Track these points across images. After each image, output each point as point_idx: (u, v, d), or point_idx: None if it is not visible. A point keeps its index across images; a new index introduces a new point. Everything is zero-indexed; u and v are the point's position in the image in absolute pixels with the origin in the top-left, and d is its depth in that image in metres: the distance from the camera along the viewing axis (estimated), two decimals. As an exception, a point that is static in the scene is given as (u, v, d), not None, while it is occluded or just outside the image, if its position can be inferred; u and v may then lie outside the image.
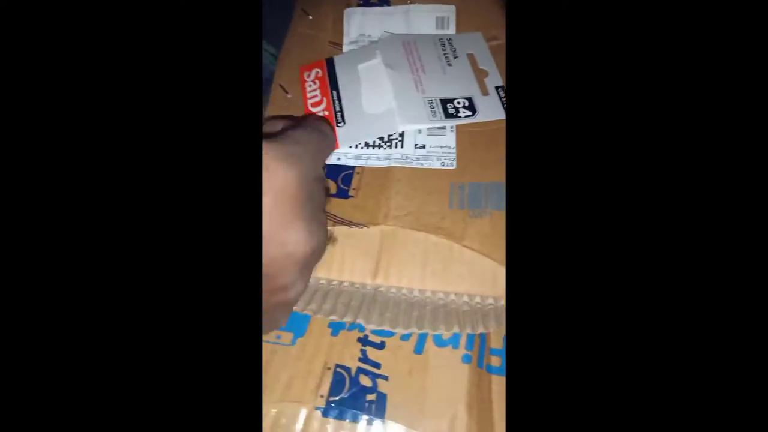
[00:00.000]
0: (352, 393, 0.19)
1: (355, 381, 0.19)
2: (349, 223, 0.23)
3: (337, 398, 0.19)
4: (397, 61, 0.27)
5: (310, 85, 0.27)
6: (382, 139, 0.26)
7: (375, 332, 0.20)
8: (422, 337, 0.20)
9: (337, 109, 0.26)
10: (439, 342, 0.20)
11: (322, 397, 0.19)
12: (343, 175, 0.25)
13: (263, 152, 0.17)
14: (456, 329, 0.20)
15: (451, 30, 0.29)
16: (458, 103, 0.26)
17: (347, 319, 0.20)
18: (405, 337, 0.20)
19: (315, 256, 0.19)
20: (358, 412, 0.19)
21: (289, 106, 0.27)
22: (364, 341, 0.20)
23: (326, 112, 0.26)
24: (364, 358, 0.20)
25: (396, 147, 0.26)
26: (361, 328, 0.20)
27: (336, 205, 0.24)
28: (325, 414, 0.19)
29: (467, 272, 0.22)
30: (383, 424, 0.18)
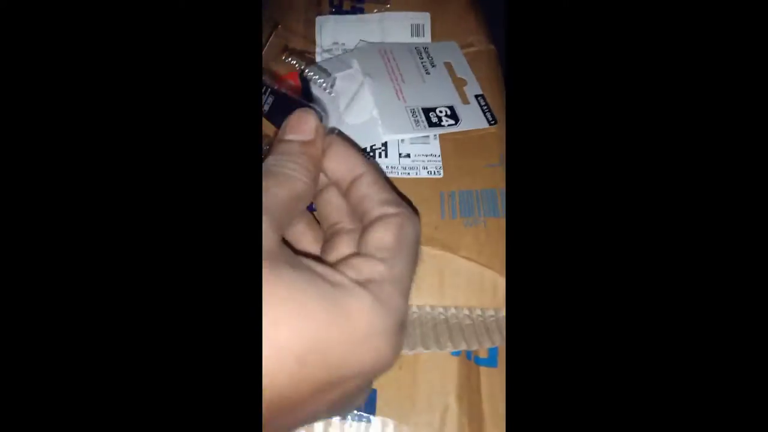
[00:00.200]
0: None
1: None
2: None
3: None
4: (375, 70, 0.27)
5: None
6: (365, 149, 0.25)
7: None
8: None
9: (316, 119, 0.25)
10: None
11: None
12: (327, 189, 0.24)
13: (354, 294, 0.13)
14: (463, 345, 0.19)
15: (427, 37, 0.29)
16: (440, 111, 0.26)
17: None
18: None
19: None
20: (348, 409, 0.18)
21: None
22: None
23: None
24: None
25: (381, 157, 0.25)
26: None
27: (323, 221, 0.22)
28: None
29: (466, 284, 0.21)
30: (374, 420, 0.18)
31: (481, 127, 0.25)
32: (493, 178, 0.24)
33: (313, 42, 0.29)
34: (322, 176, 0.18)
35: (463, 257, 0.21)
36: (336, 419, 0.18)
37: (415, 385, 0.18)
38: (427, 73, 0.27)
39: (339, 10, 0.29)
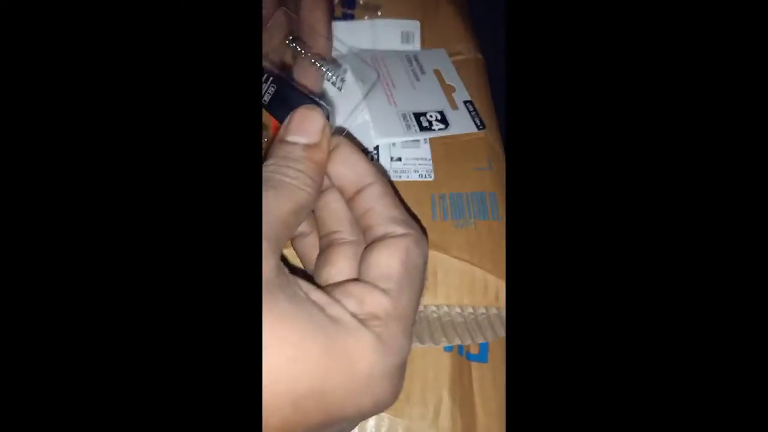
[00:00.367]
0: None
1: None
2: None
3: None
4: (368, 76, 0.27)
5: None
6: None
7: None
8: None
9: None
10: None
11: None
12: (321, 191, 0.24)
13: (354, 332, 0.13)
14: (457, 340, 0.20)
15: (416, 44, 0.30)
16: (431, 116, 0.26)
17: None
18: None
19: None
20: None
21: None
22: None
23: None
24: None
25: (373, 160, 0.25)
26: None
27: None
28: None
29: (458, 282, 0.22)
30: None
31: (470, 132, 0.26)
32: (483, 182, 0.24)
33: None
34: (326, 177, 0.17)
35: (455, 257, 0.22)
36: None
37: (410, 380, 0.19)
38: (417, 80, 0.28)
39: (331, 17, 0.30)
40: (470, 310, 0.21)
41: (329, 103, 0.21)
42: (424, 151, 0.26)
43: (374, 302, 0.14)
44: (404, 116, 0.26)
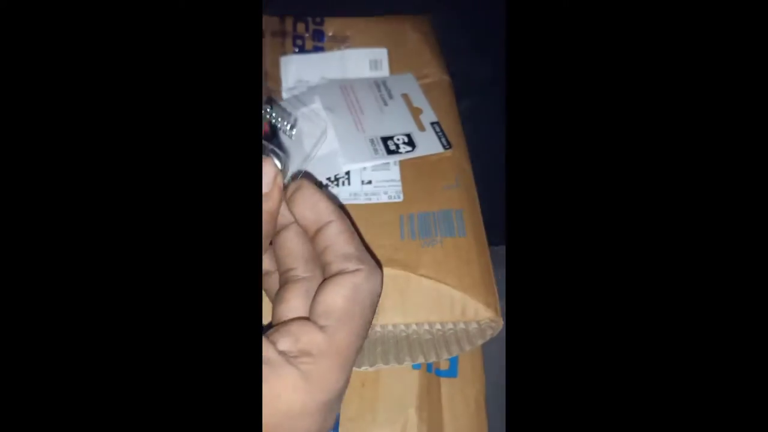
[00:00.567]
0: None
1: None
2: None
3: None
4: (336, 104, 0.29)
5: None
6: (329, 179, 0.26)
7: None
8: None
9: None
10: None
11: None
12: (294, 218, 0.25)
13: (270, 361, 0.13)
14: (421, 359, 0.20)
15: (385, 71, 0.31)
16: (398, 139, 0.27)
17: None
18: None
19: None
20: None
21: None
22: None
23: (271, 158, 0.26)
24: None
25: (344, 185, 0.26)
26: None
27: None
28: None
29: (425, 301, 0.22)
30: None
31: (436, 152, 0.27)
32: (450, 200, 0.25)
33: (279, 81, 0.31)
34: (280, 217, 0.18)
35: (422, 275, 0.22)
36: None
37: (377, 400, 0.19)
38: (386, 104, 0.29)
39: (302, 50, 0.31)
40: (438, 326, 0.22)
41: (284, 150, 0.22)
42: (394, 173, 0.27)
43: (308, 339, 0.14)
44: (372, 141, 0.27)
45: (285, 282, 0.18)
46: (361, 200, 0.26)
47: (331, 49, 0.31)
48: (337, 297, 0.15)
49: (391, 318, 0.22)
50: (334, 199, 0.23)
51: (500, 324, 0.22)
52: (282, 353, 0.14)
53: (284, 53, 0.31)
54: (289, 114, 0.26)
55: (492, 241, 0.25)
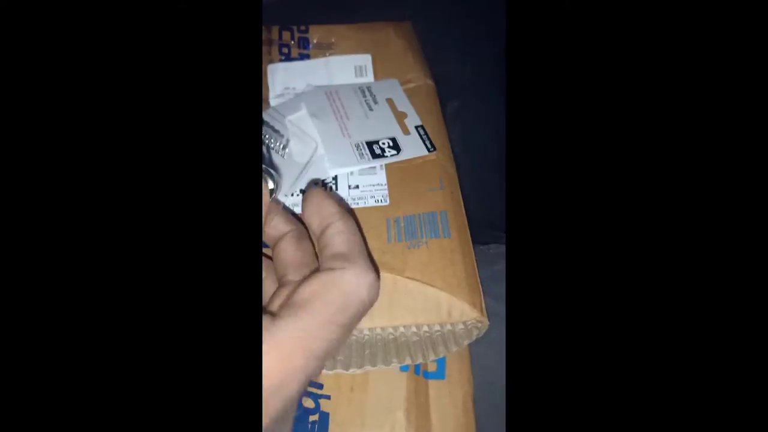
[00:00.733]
0: (295, 416, 0.19)
1: (297, 404, 0.20)
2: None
3: None
4: (321, 111, 0.29)
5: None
6: (316, 184, 0.26)
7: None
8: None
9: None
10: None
11: None
12: (280, 224, 0.25)
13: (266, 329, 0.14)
14: (408, 360, 0.20)
15: (369, 77, 0.31)
16: (383, 143, 0.28)
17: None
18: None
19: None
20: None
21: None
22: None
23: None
24: None
25: (331, 191, 0.26)
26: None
27: (276, 255, 0.24)
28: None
29: (412, 303, 0.22)
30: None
31: (420, 155, 0.27)
32: (435, 201, 0.25)
33: (267, 89, 0.31)
34: (273, 230, 0.19)
35: (408, 278, 0.23)
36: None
37: (365, 404, 0.19)
38: (371, 110, 0.29)
39: (288, 58, 0.32)
40: (425, 328, 0.22)
41: (275, 167, 0.23)
42: (381, 177, 0.27)
43: (267, 324, 0.14)
44: (357, 146, 0.27)
45: (279, 287, 0.18)
46: (350, 205, 0.26)
47: (316, 56, 0.32)
48: (304, 290, 0.15)
49: (378, 321, 0.22)
50: (341, 201, 0.23)
51: (486, 324, 0.22)
52: None
53: (271, 61, 0.32)
54: (282, 135, 0.26)
55: (479, 241, 0.26)
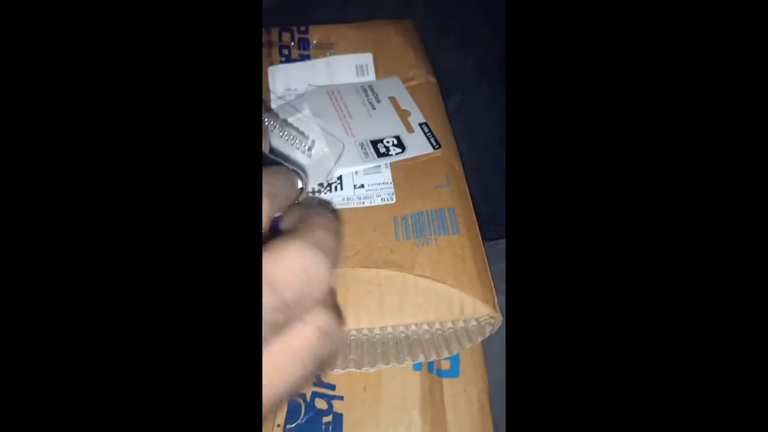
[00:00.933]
0: (308, 418, 0.19)
1: (310, 405, 0.20)
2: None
3: (293, 425, 0.19)
4: (324, 111, 0.29)
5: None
6: (321, 184, 0.26)
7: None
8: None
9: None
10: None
11: (279, 426, 0.19)
12: (287, 226, 0.25)
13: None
14: (422, 358, 0.20)
15: (371, 76, 0.31)
16: (387, 142, 0.27)
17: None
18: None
19: None
20: (316, 435, 0.19)
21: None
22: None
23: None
24: (319, 382, 0.20)
25: (336, 190, 0.26)
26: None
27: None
28: (282, 441, 0.18)
29: (423, 301, 0.22)
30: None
31: (426, 152, 0.27)
32: (442, 198, 0.25)
33: (268, 91, 0.31)
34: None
35: (418, 275, 0.22)
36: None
37: (379, 403, 0.19)
38: (374, 108, 0.29)
39: (288, 59, 0.32)
40: (437, 326, 0.22)
41: (302, 167, 0.23)
42: (386, 176, 0.27)
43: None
44: (361, 145, 0.27)
45: None
46: (355, 204, 0.26)
47: (317, 56, 0.32)
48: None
49: (389, 320, 0.22)
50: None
51: (499, 320, 0.21)
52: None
53: (271, 63, 0.31)
54: (307, 137, 0.26)
55: (486, 237, 0.25)
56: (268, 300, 0.13)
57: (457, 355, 0.22)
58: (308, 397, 0.20)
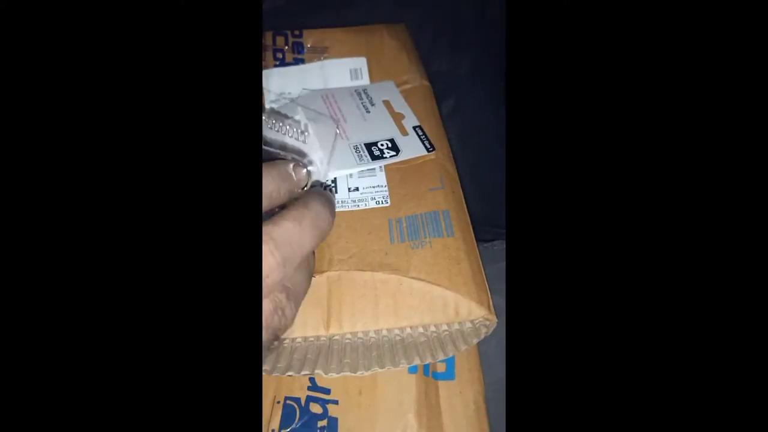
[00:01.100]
0: (303, 422, 0.19)
1: (305, 410, 0.20)
2: (295, 276, 0.23)
3: (288, 430, 0.19)
4: (324, 121, 0.29)
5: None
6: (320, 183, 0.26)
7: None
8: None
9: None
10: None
11: (273, 431, 0.19)
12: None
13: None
14: (417, 360, 0.20)
15: (365, 79, 0.31)
16: (381, 145, 0.27)
17: (305, 372, 0.20)
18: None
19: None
20: (311, 440, 0.19)
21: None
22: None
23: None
24: (314, 386, 0.20)
25: (331, 193, 0.26)
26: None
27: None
28: (277, 446, 0.18)
29: (418, 303, 0.22)
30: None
31: (420, 155, 0.27)
32: (436, 201, 0.25)
33: (262, 94, 0.31)
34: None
35: (413, 278, 0.22)
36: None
37: (375, 407, 0.19)
38: (368, 112, 0.29)
39: (282, 63, 0.32)
40: (433, 328, 0.22)
41: (302, 153, 0.23)
42: (380, 178, 0.27)
43: None
44: (356, 148, 0.27)
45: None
46: (349, 207, 0.25)
47: (311, 60, 0.32)
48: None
49: (384, 323, 0.22)
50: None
51: (494, 322, 0.21)
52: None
53: (265, 67, 0.31)
54: (298, 121, 0.26)
55: (481, 239, 0.25)
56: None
57: (453, 358, 0.22)
58: (303, 402, 0.19)
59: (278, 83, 0.31)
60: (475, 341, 0.21)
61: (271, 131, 0.26)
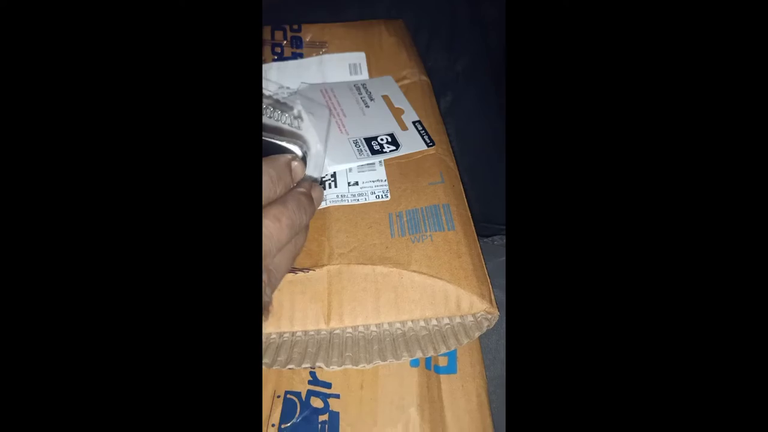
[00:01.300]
0: (303, 417, 0.19)
1: (306, 404, 0.19)
2: (294, 270, 0.22)
3: (288, 424, 0.19)
4: (317, 108, 0.28)
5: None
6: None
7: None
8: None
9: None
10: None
11: (273, 426, 0.19)
12: (280, 223, 0.25)
13: None
14: (419, 354, 0.20)
15: (364, 74, 0.31)
16: (381, 139, 0.27)
17: (306, 365, 0.19)
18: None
19: None
20: (312, 434, 0.18)
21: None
22: (313, 363, 0.20)
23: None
24: (314, 380, 0.20)
25: (331, 187, 0.26)
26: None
27: (278, 254, 0.23)
28: (278, 441, 0.18)
29: (419, 297, 0.22)
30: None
31: (420, 150, 0.27)
32: (436, 195, 0.25)
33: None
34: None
35: (414, 271, 0.22)
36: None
37: (376, 401, 0.19)
38: (367, 107, 0.29)
39: (281, 57, 0.31)
40: (434, 322, 0.22)
41: (303, 140, 0.23)
42: (380, 173, 0.26)
43: None
44: (355, 142, 0.27)
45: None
46: (349, 201, 0.25)
47: (309, 55, 0.31)
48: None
49: (385, 316, 0.22)
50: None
51: (496, 315, 0.21)
52: None
53: (264, 61, 0.31)
54: (290, 107, 0.26)
55: (480, 234, 0.25)
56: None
57: (455, 352, 0.22)
58: (304, 396, 0.19)
59: (277, 77, 0.31)
60: (477, 334, 0.21)
61: (266, 118, 0.25)
